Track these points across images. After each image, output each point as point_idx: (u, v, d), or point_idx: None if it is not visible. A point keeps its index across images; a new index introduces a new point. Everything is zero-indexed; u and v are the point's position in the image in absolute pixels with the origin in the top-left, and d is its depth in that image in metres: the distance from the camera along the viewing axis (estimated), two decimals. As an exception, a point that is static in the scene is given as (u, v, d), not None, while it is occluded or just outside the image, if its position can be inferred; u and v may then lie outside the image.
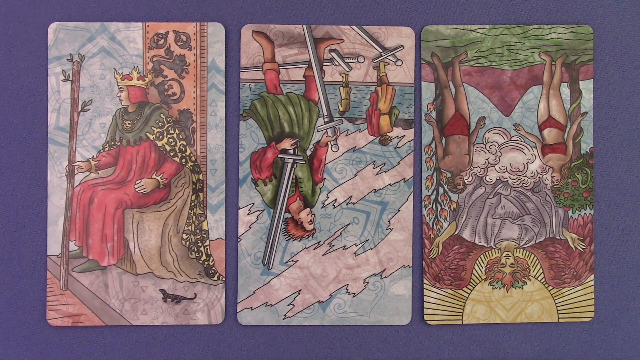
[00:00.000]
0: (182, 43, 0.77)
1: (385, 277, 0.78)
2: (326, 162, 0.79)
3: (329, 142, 0.79)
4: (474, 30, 0.79)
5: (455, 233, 0.79)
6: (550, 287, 0.79)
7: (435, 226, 0.79)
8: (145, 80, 0.77)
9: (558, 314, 0.79)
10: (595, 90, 0.79)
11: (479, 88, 0.79)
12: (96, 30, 0.77)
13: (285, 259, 0.78)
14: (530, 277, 0.79)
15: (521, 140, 0.79)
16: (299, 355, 0.79)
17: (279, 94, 0.78)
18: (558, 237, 0.79)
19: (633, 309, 0.80)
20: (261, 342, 0.79)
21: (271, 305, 0.78)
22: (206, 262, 0.78)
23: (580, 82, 0.79)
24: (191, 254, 0.78)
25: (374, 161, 0.78)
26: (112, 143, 0.77)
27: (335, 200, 0.78)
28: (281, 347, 0.79)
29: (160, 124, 0.78)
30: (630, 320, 0.80)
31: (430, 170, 0.79)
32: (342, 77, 0.78)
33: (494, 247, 0.79)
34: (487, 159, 0.79)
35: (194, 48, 0.77)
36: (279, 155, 0.78)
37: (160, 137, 0.78)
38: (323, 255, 0.78)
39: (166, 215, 0.78)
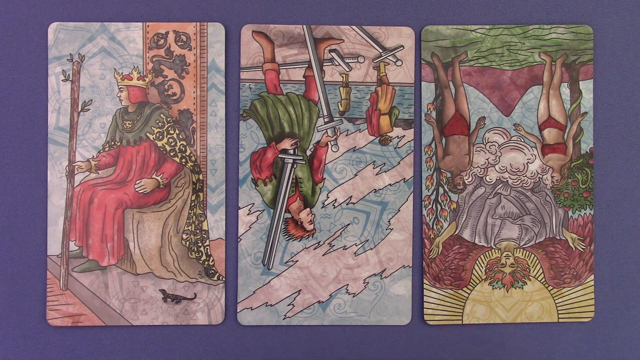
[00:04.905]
0: (182, 43, 0.77)
1: (385, 277, 0.78)
2: (326, 162, 0.79)
3: (329, 142, 0.79)
4: (474, 30, 0.79)
5: (455, 233, 0.79)
6: (550, 287, 0.79)
7: (435, 226, 0.79)
8: (145, 80, 0.77)
9: (558, 314, 0.79)
10: (595, 90, 0.79)
11: (479, 88, 0.79)
12: (96, 30, 0.77)
13: (285, 259, 0.78)
14: (530, 277, 0.79)
15: (521, 140, 0.79)
16: (299, 355, 0.79)
17: (279, 94, 0.78)
18: (558, 237, 0.79)
19: (633, 309, 0.80)
20: (261, 342, 0.79)
21: (271, 305, 0.78)
22: (206, 262, 0.78)
23: (580, 82, 0.79)
24: (191, 254, 0.78)
25: (374, 161, 0.78)
26: (112, 143, 0.77)
27: (335, 200, 0.78)
28: (281, 347, 0.79)
29: (160, 124, 0.78)
30: (630, 320, 0.80)
31: (430, 170, 0.79)
32: (342, 77, 0.78)
33: (494, 247, 0.79)
34: (487, 159, 0.79)
35: (194, 48, 0.77)
36: (279, 155, 0.78)
37: (160, 137, 0.78)
38: (323, 255, 0.78)
39: (166, 215, 0.78)
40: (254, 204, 0.78)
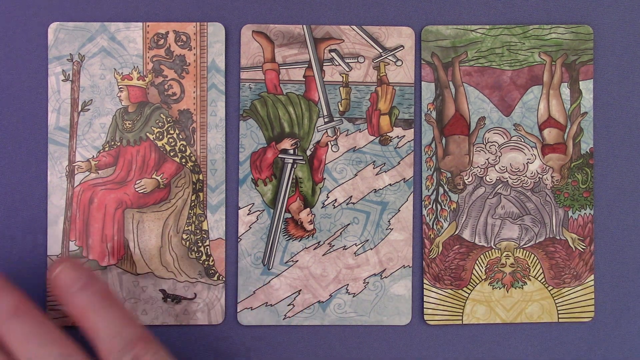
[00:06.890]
0: (182, 43, 0.77)
1: (385, 277, 0.78)
2: (326, 162, 0.79)
3: (329, 142, 0.79)
4: (474, 30, 0.79)
5: (455, 233, 0.79)
6: (550, 287, 0.79)
7: (435, 226, 0.79)
8: (145, 80, 0.77)
9: (558, 314, 0.79)
10: (595, 90, 0.79)
11: (479, 88, 0.79)
12: (96, 30, 0.77)
13: (285, 259, 0.78)
14: (530, 277, 0.79)
15: (521, 140, 0.79)
16: (299, 355, 0.79)
17: (279, 94, 0.78)
18: (558, 237, 0.79)
19: (633, 309, 0.80)
20: (261, 342, 0.79)
21: (271, 305, 0.78)
22: (206, 262, 0.78)
23: (580, 82, 0.79)
24: (191, 254, 0.78)
25: (374, 161, 0.78)
26: (112, 143, 0.77)
27: (335, 200, 0.78)
28: (281, 347, 0.79)
29: (160, 124, 0.78)
30: (630, 320, 0.80)
31: (430, 170, 0.79)
32: (342, 77, 0.78)
33: (494, 247, 0.79)
34: (487, 159, 0.79)
35: (194, 48, 0.77)
36: (279, 155, 0.78)
37: (160, 137, 0.78)
38: (323, 255, 0.78)
39: (166, 215, 0.78)
40: (254, 204, 0.78)
